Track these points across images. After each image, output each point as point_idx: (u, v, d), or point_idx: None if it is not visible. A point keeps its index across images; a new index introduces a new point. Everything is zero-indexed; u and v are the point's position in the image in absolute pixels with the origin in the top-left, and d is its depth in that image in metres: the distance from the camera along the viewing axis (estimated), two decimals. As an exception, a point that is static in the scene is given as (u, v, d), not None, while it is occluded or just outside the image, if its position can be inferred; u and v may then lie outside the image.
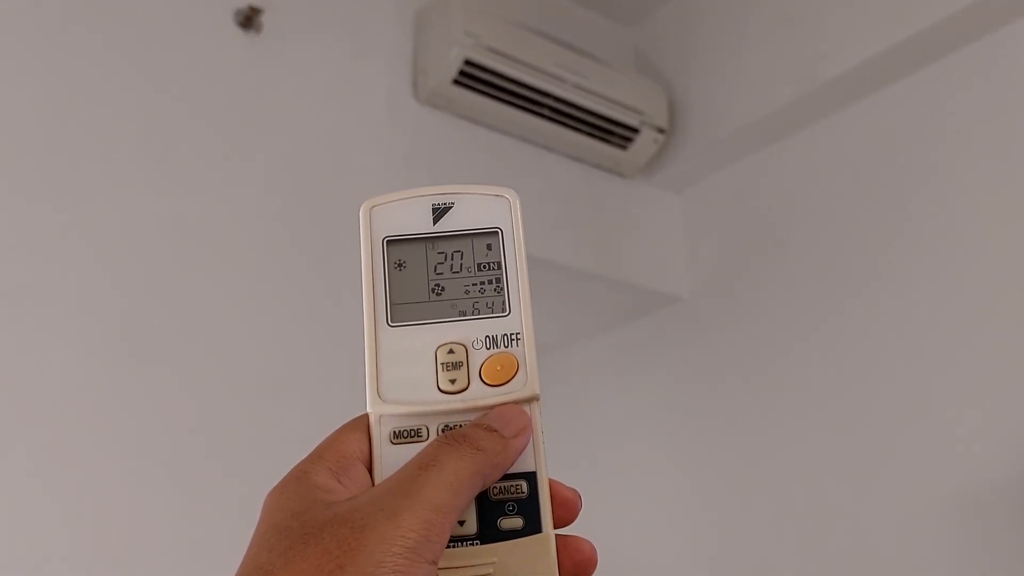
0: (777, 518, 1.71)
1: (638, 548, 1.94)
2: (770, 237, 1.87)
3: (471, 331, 0.39)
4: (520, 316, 0.39)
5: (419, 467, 0.34)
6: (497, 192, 0.42)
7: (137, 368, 1.32)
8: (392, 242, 0.40)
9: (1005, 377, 1.45)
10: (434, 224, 0.41)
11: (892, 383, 1.59)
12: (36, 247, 1.29)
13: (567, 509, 0.38)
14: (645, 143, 1.96)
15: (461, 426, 0.37)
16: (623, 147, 1.95)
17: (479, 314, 0.39)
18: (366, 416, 0.38)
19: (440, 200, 0.41)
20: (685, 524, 1.90)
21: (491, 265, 0.40)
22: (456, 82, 1.72)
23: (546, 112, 1.84)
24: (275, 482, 0.36)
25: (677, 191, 2.10)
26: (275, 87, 1.57)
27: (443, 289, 0.40)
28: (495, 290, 0.40)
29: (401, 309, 0.39)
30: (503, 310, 0.39)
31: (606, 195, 1.99)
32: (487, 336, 0.39)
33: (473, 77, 1.74)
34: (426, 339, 0.39)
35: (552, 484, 0.37)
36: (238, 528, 0.43)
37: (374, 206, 0.41)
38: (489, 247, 0.41)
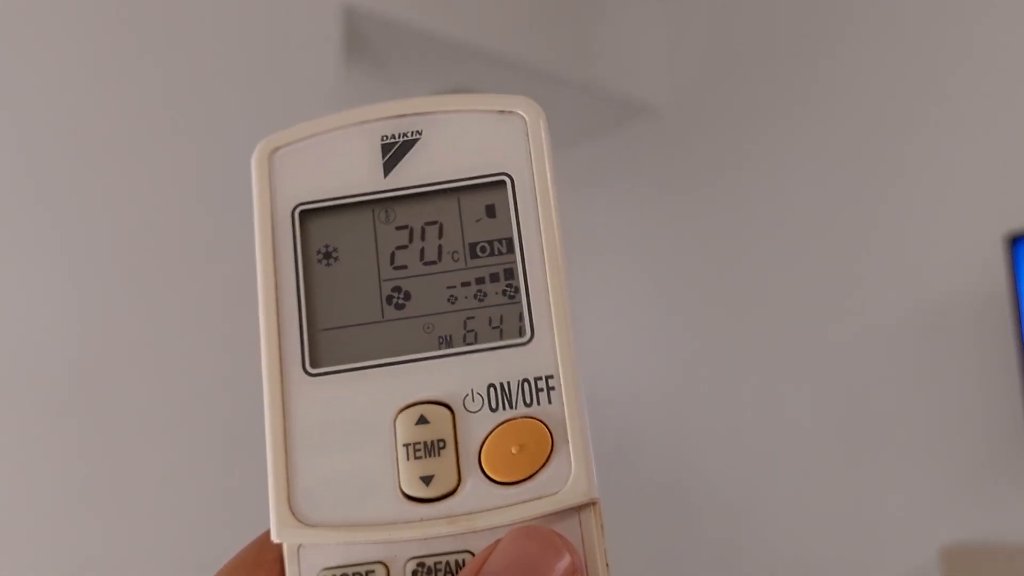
0: (744, 332, 1.76)
1: (608, 362, 1.97)
2: (754, 46, 1.81)
3: (461, 377, 0.21)
4: (554, 343, 0.21)
5: None
6: (502, 106, 0.23)
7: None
8: (310, 213, 0.22)
9: (967, 192, 1.47)
10: (386, 175, 0.23)
11: (861, 200, 1.61)
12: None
13: None
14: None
15: (442, 566, 0.20)
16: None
17: (477, 343, 0.22)
18: (270, 543, 0.21)
19: (396, 128, 0.23)
20: (655, 339, 1.94)
21: (496, 246, 0.22)
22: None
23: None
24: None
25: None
26: None
27: (407, 297, 0.22)
28: (505, 294, 0.22)
29: (331, 340, 0.22)
30: (520, 333, 0.22)
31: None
32: (492, 385, 0.21)
33: None
34: (377, 397, 0.21)
35: None
36: None
37: (276, 148, 0.23)
38: (491, 212, 0.22)
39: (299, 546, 0.21)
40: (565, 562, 0.20)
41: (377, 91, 1.78)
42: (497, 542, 0.20)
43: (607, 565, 0.21)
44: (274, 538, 0.21)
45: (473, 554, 0.20)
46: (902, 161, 1.54)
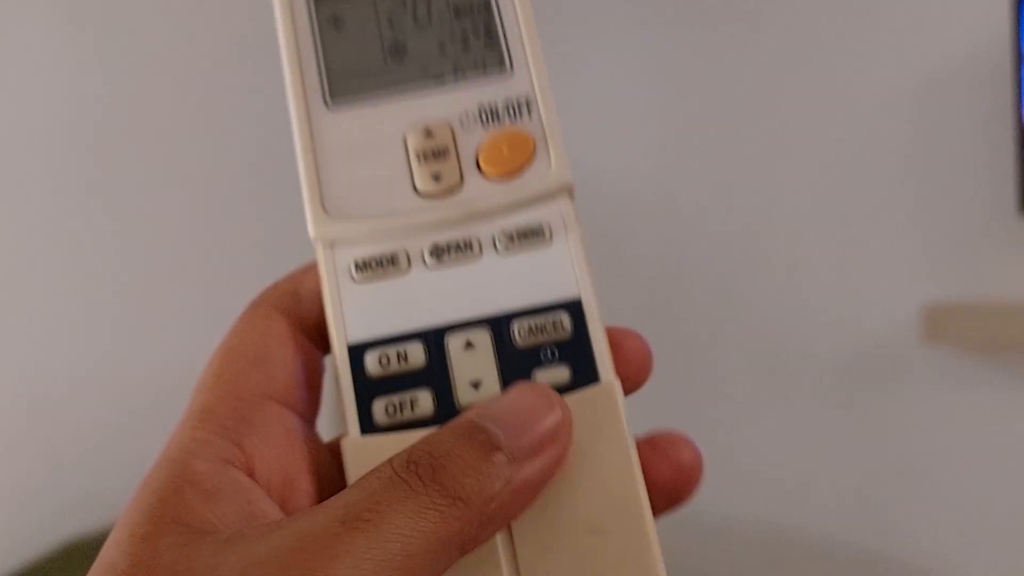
0: (738, 97, 1.74)
1: (599, 131, 1.90)
2: None
3: (456, 102, 0.26)
4: (529, 72, 0.26)
5: (340, 520, 0.19)
6: None
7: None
8: None
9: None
10: None
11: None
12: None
13: (633, 361, 0.25)
14: None
15: (452, 247, 0.25)
16: None
17: (465, 77, 0.27)
18: (279, 289, 0.26)
19: None
20: (647, 106, 1.90)
21: (476, 8, 0.27)
22: None
23: None
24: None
25: None
26: None
27: (405, 49, 0.27)
28: (485, 42, 0.27)
29: (344, 82, 0.27)
30: (501, 66, 0.27)
31: None
32: (481, 107, 0.26)
33: None
34: (388, 121, 0.26)
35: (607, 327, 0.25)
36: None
37: None
38: None
39: (332, 244, 0.26)
40: (556, 415, 0.22)
41: None
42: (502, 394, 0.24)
43: (581, 243, 0.26)
44: (312, 234, 0.26)
45: (480, 240, 0.26)
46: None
